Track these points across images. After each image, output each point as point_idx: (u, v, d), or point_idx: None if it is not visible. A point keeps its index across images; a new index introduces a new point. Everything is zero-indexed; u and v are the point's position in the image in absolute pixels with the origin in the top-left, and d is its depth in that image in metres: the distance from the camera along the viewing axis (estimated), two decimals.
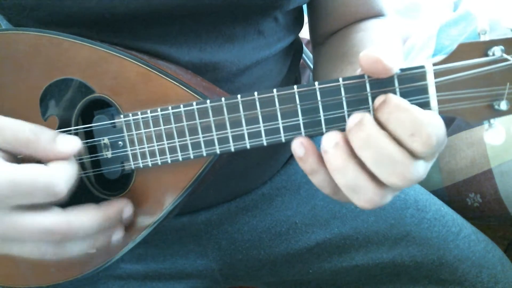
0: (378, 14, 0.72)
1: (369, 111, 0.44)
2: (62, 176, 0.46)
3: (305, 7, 0.76)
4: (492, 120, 0.43)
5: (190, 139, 0.49)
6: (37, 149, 0.47)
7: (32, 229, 0.45)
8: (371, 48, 0.41)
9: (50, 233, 0.46)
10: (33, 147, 0.47)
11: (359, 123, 0.42)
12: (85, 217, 0.47)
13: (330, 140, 0.43)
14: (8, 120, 0.47)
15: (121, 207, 0.52)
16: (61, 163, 0.47)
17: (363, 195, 0.43)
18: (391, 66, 0.41)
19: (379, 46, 0.43)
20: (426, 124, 0.40)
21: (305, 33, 0.79)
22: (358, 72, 0.45)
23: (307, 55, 0.96)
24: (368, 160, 0.42)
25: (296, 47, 0.75)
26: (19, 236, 0.46)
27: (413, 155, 0.42)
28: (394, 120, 0.41)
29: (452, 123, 0.86)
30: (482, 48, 0.41)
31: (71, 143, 0.48)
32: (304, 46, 0.86)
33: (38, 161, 0.47)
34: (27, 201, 0.45)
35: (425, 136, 0.40)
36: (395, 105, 0.41)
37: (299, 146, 0.45)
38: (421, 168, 0.43)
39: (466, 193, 0.84)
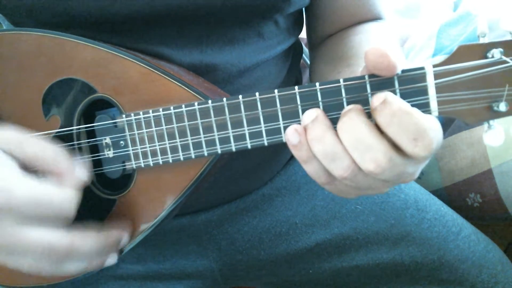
0: (376, 17, 0.72)
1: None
2: (73, 202, 0.48)
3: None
4: (491, 121, 0.43)
5: (192, 139, 0.50)
6: (53, 171, 0.49)
7: (36, 244, 0.46)
8: (378, 44, 0.42)
9: (52, 250, 0.47)
10: (49, 168, 0.49)
11: (346, 111, 0.43)
12: (87, 241, 0.49)
13: (311, 113, 0.44)
14: (32, 138, 0.49)
15: (121, 236, 0.53)
16: (74, 190, 0.49)
17: (340, 162, 0.43)
18: (395, 62, 0.41)
19: (384, 43, 0.44)
20: (428, 129, 0.40)
21: (304, 34, 0.79)
22: (359, 72, 0.45)
23: (307, 54, 0.96)
24: (346, 144, 0.43)
25: (296, 48, 0.75)
26: (22, 249, 0.46)
27: (407, 156, 0.42)
28: (397, 124, 0.41)
29: (452, 123, 0.86)
30: (482, 50, 0.41)
31: (84, 175, 0.50)
32: (304, 46, 0.87)
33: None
34: (39, 218, 0.46)
35: (428, 141, 0.40)
36: (398, 108, 0.41)
37: (293, 133, 0.45)
38: (401, 163, 0.43)
39: (466, 193, 0.84)
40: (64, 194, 0.47)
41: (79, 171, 0.50)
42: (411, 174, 0.46)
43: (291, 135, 0.45)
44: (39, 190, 0.46)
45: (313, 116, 0.44)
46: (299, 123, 0.46)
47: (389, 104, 0.41)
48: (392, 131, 0.41)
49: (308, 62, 0.94)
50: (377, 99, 0.42)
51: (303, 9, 0.74)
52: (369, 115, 0.43)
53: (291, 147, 0.46)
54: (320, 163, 0.45)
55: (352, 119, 0.43)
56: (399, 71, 0.43)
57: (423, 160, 0.43)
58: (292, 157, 0.78)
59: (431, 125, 0.41)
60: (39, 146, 0.49)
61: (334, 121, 0.45)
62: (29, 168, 0.49)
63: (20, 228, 0.46)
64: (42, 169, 0.49)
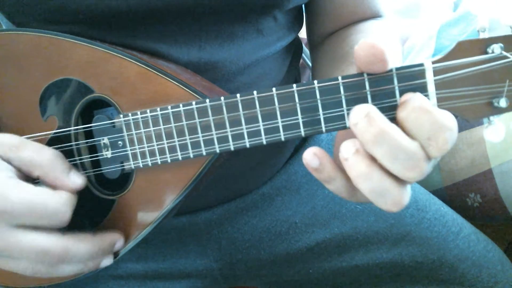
0: (375, 15, 0.72)
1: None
2: (69, 205, 0.49)
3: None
4: (491, 118, 0.43)
5: (190, 139, 0.49)
6: (50, 176, 0.50)
7: (31, 248, 0.47)
8: (366, 38, 0.41)
9: (46, 255, 0.47)
10: (47, 173, 0.50)
11: (368, 118, 0.41)
12: (81, 244, 0.50)
13: (350, 147, 0.42)
14: (28, 142, 0.50)
15: (115, 240, 0.54)
16: (69, 193, 0.49)
17: (390, 198, 0.42)
18: (383, 49, 0.40)
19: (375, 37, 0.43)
20: (445, 129, 0.40)
21: (304, 34, 0.79)
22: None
23: (307, 54, 0.96)
24: (383, 156, 0.41)
25: (295, 46, 0.75)
26: (17, 253, 0.47)
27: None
28: (413, 120, 0.40)
29: None
30: (482, 45, 0.41)
31: (80, 180, 0.51)
32: (304, 45, 0.87)
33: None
34: (34, 221, 0.47)
35: (442, 141, 0.40)
36: (418, 105, 0.40)
37: (313, 157, 0.44)
38: (431, 164, 0.42)
39: (466, 193, 0.84)
40: (59, 198, 0.48)
41: (75, 175, 0.51)
42: (429, 171, 0.45)
43: (310, 160, 0.44)
44: (34, 195, 0.46)
45: (354, 150, 0.42)
46: (297, 121, 0.46)
47: (411, 101, 0.41)
48: (408, 126, 0.41)
49: (308, 62, 0.94)
50: (404, 97, 0.42)
51: (303, 6, 0.74)
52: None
53: (311, 170, 0.45)
54: (343, 181, 0.44)
55: (384, 125, 0.40)
56: (392, 65, 0.42)
57: (435, 158, 0.42)
58: (292, 157, 0.78)
59: (448, 124, 0.40)
60: (35, 149, 0.50)
61: (333, 119, 0.45)
62: (25, 172, 0.50)
63: (14, 232, 0.47)
64: (38, 173, 0.50)
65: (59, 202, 0.47)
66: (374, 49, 0.41)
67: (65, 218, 0.48)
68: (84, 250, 0.49)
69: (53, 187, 0.50)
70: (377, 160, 0.41)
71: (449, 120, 0.40)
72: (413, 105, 0.40)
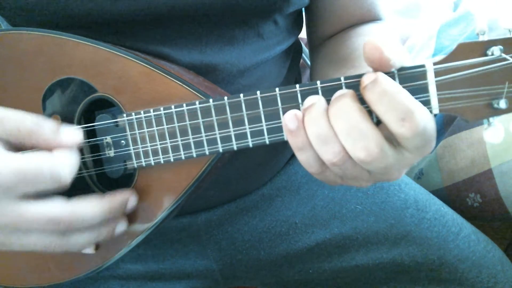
0: (375, 18, 0.73)
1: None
2: (66, 163, 0.46)
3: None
4: (491, 119, 0.43)
5: (193, 138, 0.50)
6: (39, 140, 0.47)
7: (37, 218, 0.45)
8: (377, 38, 0.42)
9: (54, 222, 0.46)
10: (36, 138, 0.47)
11: (340, 96, 0.43)
12: (90, 206, 0.48)
13: (311, 99, 0.44)
14: (10, 111, 0.47)
15: (126, 198, 0.52)
16: (65, 151, 0.47)
17: (331, 147, 0.43)
18: (388, 56, 0.41)
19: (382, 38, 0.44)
20: (418, 111, 0.41)
21: (304, 33, 0.79)
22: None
23: (307, 54, 0.96)
24: (339, 131, 0.43)
25: (295, 48, 0.76)
26: (24, 225, 0.46)
27: (396, 141, 0.42)
28: (386, 103, 0.41)
29: (452, 122, 0.87)
30: (482, 47, 0.42)
31: (74, 134, 0.49)
32: (304, 46, 0.87)
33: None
34: (32, 188, 0.45)
35: (415, 122, 0.40)
36: (388, 87, 0.41)
37: (293, 119, 0.45)
38: (391, 154, 0.43)
39: (466, 193, 0.84)
40: (54, 159, 0.46)
41: (66, 131, 0.49)
42: (397, 171, 0.46)
43: (289, 120, 0.45)
44: (24, 162, 0.45)
45: (314, 100, 0.44)
46: None
47: (379, 83, 0.41)
48: (380, 109, 0.42)
49: (308, 62, 0.94)
50: (367, 78, 0.42)
51: (303, 9, 0.75)
52: (361, 101, 0.43)
53: (288, 132, 0.45)
54: (314, 151, 0.45)
55: (346, 104, 0.42)
56: (395, 64, 0.42)
57: (410, 146, 0.43)
58: (292, 157, 0.78)
59: (421, 108, 0.41)
60: (18, 118, 0.47)
61: None
62: (16, 144, 0.48)
63: (16, 205, 0.45)
64: (29, 142, 0.47)
65: (53, 163, 0.46)
66: (379, 52, 0.42)
67: (64, 177, 0.46)
68: (92, 212, 0.48)
69: (50, 150, 0.48)
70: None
71: (420, 105, 0.42)
72: (383, 87, 0.42)
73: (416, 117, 0.41)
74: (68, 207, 0.47)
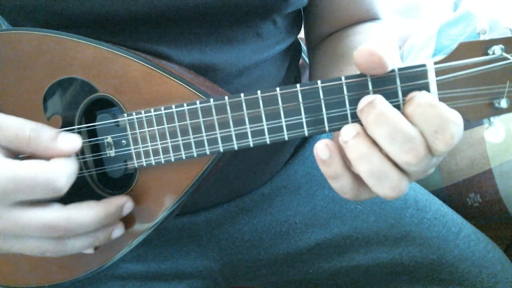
0: (373, 18, 0.73)
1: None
2: (63, 172, 0.46)
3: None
4: (492, 118, 0.43)
5: (194, 138, 0.50)
6: (38, 147, 0.47)
7: (33, 224, 0.45)
8: (364, 45, 0.42)
9: (51, 228, 0.46)
10: (34, 145, 0.47)
11: (371, 103, 0.42)
12: (86, 212, 0.48)
13: (350, 130, 0.43)
14: (9, 118, 0.48)
15: (122, 203, 0.52)
16: (62, 159, 0.47)
17: (388, 182, 0.42)
18: (382, 55, 0.41)
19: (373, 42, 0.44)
20: (451, 123, 0.40)
21: (303, 33, 0.80)
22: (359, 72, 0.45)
23: (307, 54, 0.96)
24: (382, 137, 0.41)
25: (294, 48, 0.76)
26: (20, 232, 0.46)
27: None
28: (420, 114, 0.41)
29: None
30: (482, 47, 0.42)
31: (72, 141, 0.49)
32: (303, 45, 0.87)
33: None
34: (28, 196, 0.45)
35: (449, 135, 0.40)
36: (424, 100, 0.41)
37: (324, 149, 0.44)
38: (433, 160, 0.43)
39: (466, 193, 0.84)
40: (49, 166, 0.46)
41: (65, 138, 0.49)
42: (431, 168, 0.45)
43: (321, 150, 0.44)
44: (20, 169, 0.45)
45: (354, 132, 0.43)
46: (301, 121, 0.46)
47: (417, 97, 0.41)
48: (415, 121, 0.41)
49: (308, 61, 0.94)
50: (409, 95, 0.42)
51: (302, 9, 0.75)
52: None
53: (319, 162, 0.45)
54: (349, 179, 0.45)
55: (386, 108, 0.42)
56: (391, 67, 0.42)
57: (441, 154, 0.42)
58: (292, 157, 0.78)
59: (455, 119, 0.40)
60: (18, 125, 0.47)
61: (336, 119, 0.45)
62: (15, 151, 0.48)
63: (12, 211, 0.45)
64: (28, 149, 0.48)
65: (50, 170, 0.45)
66: (372, 56, 0.41)
67: (61, 185, 0.46)
68: (89, 217, 0.48)
69: (48, 158, 0.48)
70: (377, 144, 0.42)
71: (455, 115, 0.40)
72: (419, 101, 0.41)
73: (450, 130, 0.40)
74: (64, 213, 0.47)
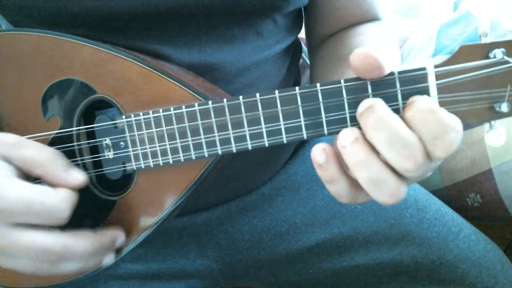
0: (374, 18, 0.73)
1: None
2: (69, 203, 0.48)
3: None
4: (493, 122, 0.43)
5: (192, 140, 0.50)
6: (49, 173, 0.49)
7: (30, 247, 0.47)
8: (360, 48, 0.41)
9: (46, 253, 0.47)
10: (46, 170, 0.49)
11: (370, 107, 0.41)
12: (82, 242, 0.49)
13: (349, 135, 0.42)
14: (28, 141, 0.50)
15: (115, 236, 0.53)
16: (70, 191, 0.49)
17: (386, 189, 0.42)
18: (378, 57, 0.41)
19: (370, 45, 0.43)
20: (451, 129, 0.40)
21: (303, 33, 0.79)
22: None
23: (307, 54, 0.96)
24: (380, 142, 0.41)
25: (295, 47, 0.75)
26: (16, 252, 0.47)
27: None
28: (419, 119, 0.40)
29: None
30: (484, 50, 0.41)
31: (81, 177, 0.51)
32: (303, 45, 0.86)
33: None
34: (31, 220, 0.47)
35: (448, 141, 0.40)
36: (425, 106, 0.41)
37: (320, 153, 0.44)
38: (432, 165, 0.43)
39: (466, 193, 0.84)
40: (58, 196, 0.47)
41: (75, 172, 0.51)
42: (429, 172, 0.45)
43: (318, 154, 0.44)
44: (32, 193, 0.46)
45: (353, 138, 0.42)
46: (299, 124, 0.46)
47: (417, 102, 0.41)
48: (414, 126, 0.41)
49: (308, 62, 0.94)
50: (409, 100, 0.42)
51: (302, 8, 0.74)
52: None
53: (316, 165, 0.45)
54: (346, 184, 0.45)
55: (385, 113, 0.41)
56: (388, 70, 0.42)
57: (439, 159, 0.42)
58: (292, 157, 0.78)
59: (454, 125, 0.40)
60: (35, 148, 0.50)
61: (335, 122, 0.45)
62: (26, 171, 0.49)
63: (13, 231, 0.46)
64: (39, 172, 0.49)
65: (57, 199, 0.47)
66: (368, 58, 0.41)
67: (64, 215, 0.48)
68: (84, 247, 0.49)
69: (54, 185, 0.50)
70: (375, 150, 0.42)
71: (455, 121, 0.40)
72: (419, 106, 0.41)
73: (449, 136, 0.40)
74: (60, 239, 0.48)
